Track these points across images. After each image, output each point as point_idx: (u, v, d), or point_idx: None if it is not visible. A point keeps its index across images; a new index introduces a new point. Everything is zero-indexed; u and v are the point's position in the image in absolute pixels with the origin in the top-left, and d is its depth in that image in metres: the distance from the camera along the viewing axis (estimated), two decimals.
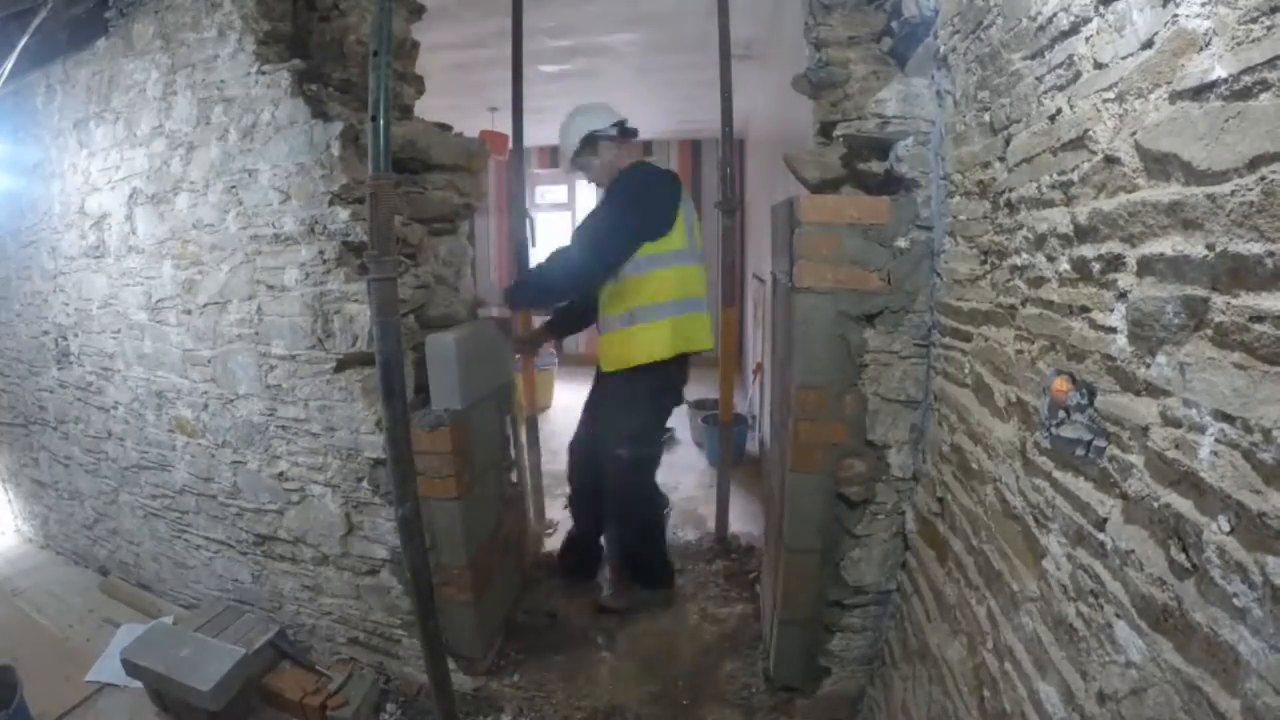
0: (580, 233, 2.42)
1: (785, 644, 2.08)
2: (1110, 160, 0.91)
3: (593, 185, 2.71)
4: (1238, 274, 0.68)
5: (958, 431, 1.54)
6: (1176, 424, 0.77)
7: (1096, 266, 0.95)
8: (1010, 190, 1.26)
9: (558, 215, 8.26)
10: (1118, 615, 0.87)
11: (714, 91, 2.90)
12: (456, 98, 4.97)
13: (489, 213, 7.96)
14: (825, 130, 1.95)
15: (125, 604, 3.08)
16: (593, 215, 2.47)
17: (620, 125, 2.50)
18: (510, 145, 3.34)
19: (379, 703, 2.27)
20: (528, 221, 3.32)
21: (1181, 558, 0.75)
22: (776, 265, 2.23)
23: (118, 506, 3.12)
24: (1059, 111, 1.06)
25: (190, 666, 2.16)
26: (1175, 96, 0.77)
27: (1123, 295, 0.89)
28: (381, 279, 1.71)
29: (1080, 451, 0.98)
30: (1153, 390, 0.82)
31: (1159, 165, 0.81)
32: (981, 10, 1.36)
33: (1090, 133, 0.96)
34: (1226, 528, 0.69)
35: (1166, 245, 0.79)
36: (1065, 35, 1.04)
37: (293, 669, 2.40)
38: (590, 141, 2.47)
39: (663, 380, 2.51)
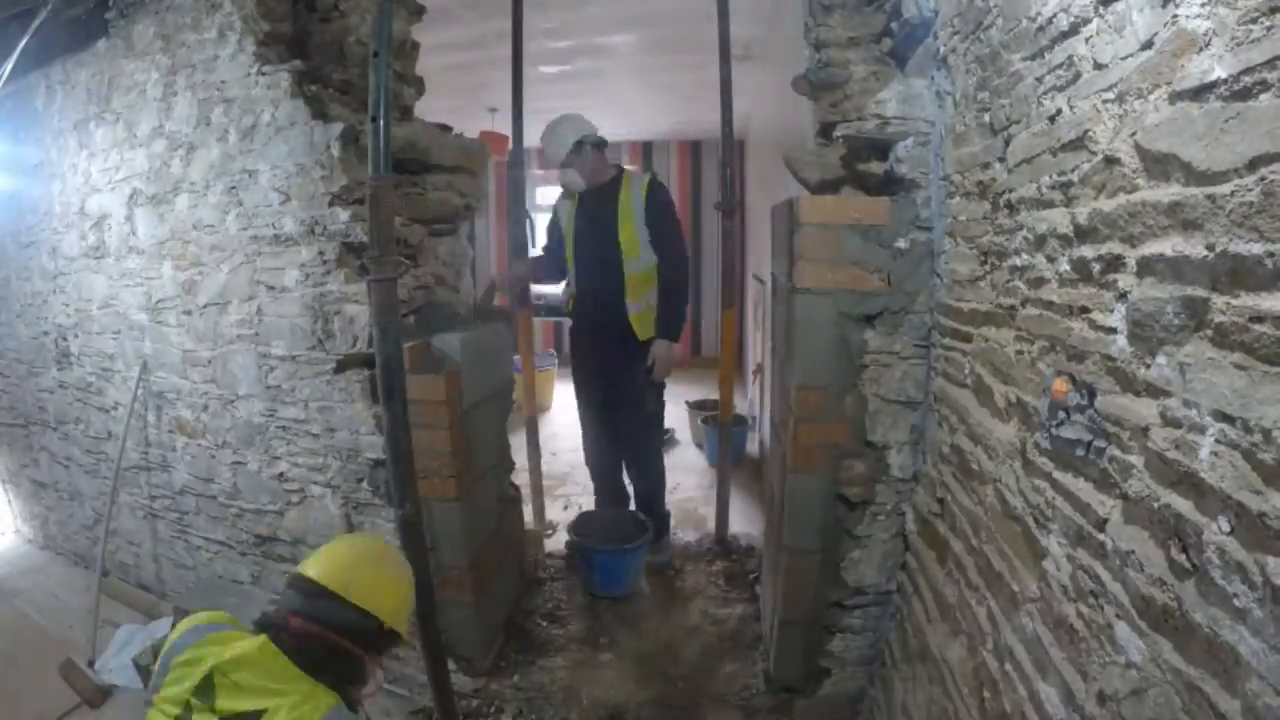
0: (677, 239, 2.89)
1: (785, 644, 2.08)
2: (1110, 161, 0.91)
3: (568, 185, 2.99)
4: (1238, 274, 0.68)
5: (958, 432, 1.54)
6: (1176, 424, 0.77)
7: (1096, 267, 0.95)
8: (1010, 191, 1.26)
9: None
10: (1118, 616, 0.87)
11: (714, 92, 2.90)
12: (456, 99, 4.97)
13: (489, 214, 7.96)
14: (825, 131, 1.95)
15: (125, 604, 3.08)
16: (674, 222, 2.93)
17: (600, 138, 2.92)
18: (510, 146, 3.34)
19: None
20: (527, 222, 3.32)
21: (1182, 558, 0.75)
22: (776, 266, 2.23)
23: (117, 507, 3.12)
24: (1059, 112, 1.06)
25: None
26: (1175, 97, 0.77)
27: (1123, 296, 0.89)
28: (381, 280, 1.71)
29: (1080, 452, 0.98)
30: (1153, 391, 0.82)
31: (1159, 166, 0.81)
32: (981, 11, 1.36)
33: (1090, 133, 0.96)
34: (1226, 528, 0.69)
35: (1166, 246, 0.79)
36: (1065, 36, 1.04)
37: None
38: (580, 146, 2.82)
39: None
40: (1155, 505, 0.80)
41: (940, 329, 1.70)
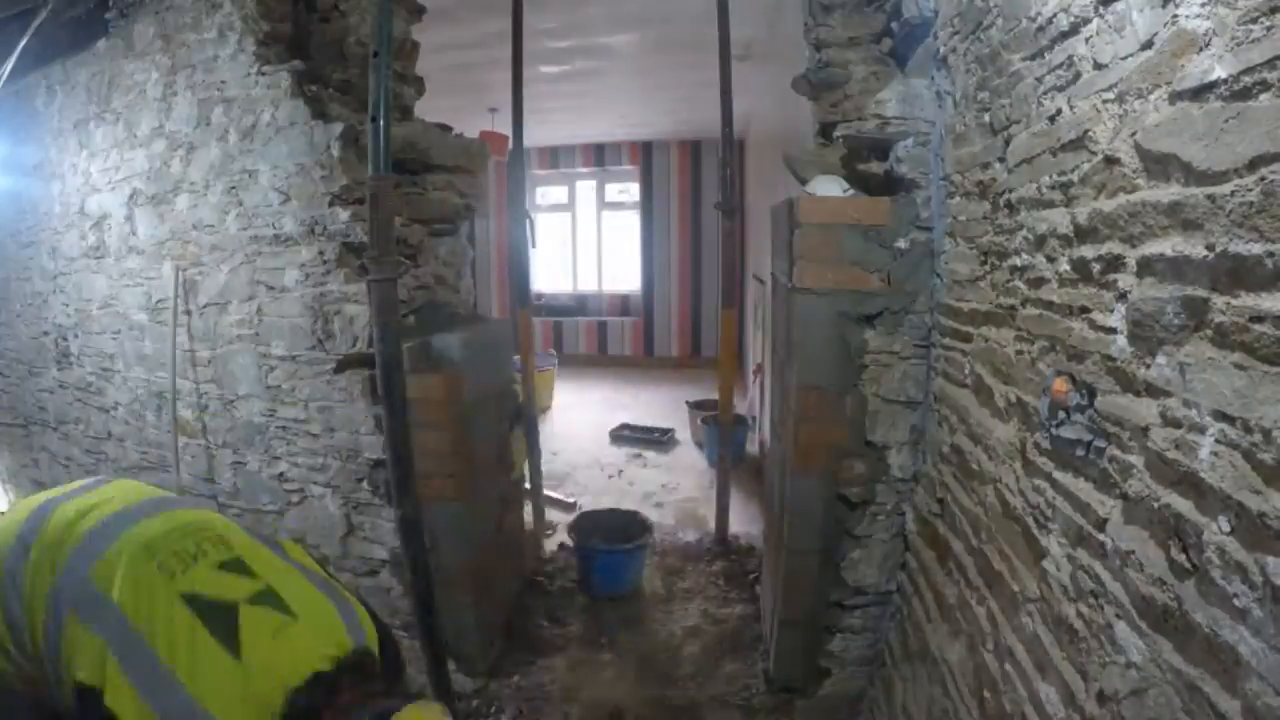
0: None
1: (785, 644, 2.08)
2: (1110, 161, 0.91)
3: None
4: (1238, 274, 0.68)
5: (958, 432, 1.54)
6: (1176, 424, 0.77)
7: (1096, 267, 0.95)
8: (1010, 191, 1.26)
9: (557, 216, 8.26)
10: (1118, 616, 0.87)
11: (714, 92, 2.90)
12: (456, 98, 4.96)
13: (489, 214, 7.96)
14: (825, 131, 1.95)
15: None
16: None
17: None
18: (510, 146, 3.34)
19: None
20: (527, 222, 3.32)
21: (1182, 558, 0.75)
22: (776, 266, 2.23)
23: None
24: (1059, 112, 1.06)
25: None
26: (1175, 97, 0.77)
27: (1123, 296, 0.89)
28: (381, 280, 1.71)
29: (1080, 452, 0.98)
30: (1153, 390, 0.82)
31: (1159, 166, 0.81)
32: (981, 11, 1.36)
33: (1090, 133, 0.96)
34: (1226, 528, 0.69)
35: (1166, 246, 0.79)
36: (1065, 36, 1.04)
37: None
38: None
39: None
40: (1155, 505, 0.80)
41: (940, 329, 1.70)
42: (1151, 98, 0.82)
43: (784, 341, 2.03)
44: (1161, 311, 0.80)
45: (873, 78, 1.83)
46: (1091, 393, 0.96)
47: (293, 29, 2.25)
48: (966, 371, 1.50)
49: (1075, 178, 1.01)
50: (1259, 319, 0.65)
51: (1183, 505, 0.75)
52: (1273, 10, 0.63)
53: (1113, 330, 0.91)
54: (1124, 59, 0.88)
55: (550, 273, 8.34)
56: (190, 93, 2.37)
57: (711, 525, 3.35)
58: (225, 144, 2.29)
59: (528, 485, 3.26)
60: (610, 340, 8.15)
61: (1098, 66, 0.95)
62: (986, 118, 1.36)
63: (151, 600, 0.98)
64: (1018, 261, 1.23)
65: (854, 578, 1.92)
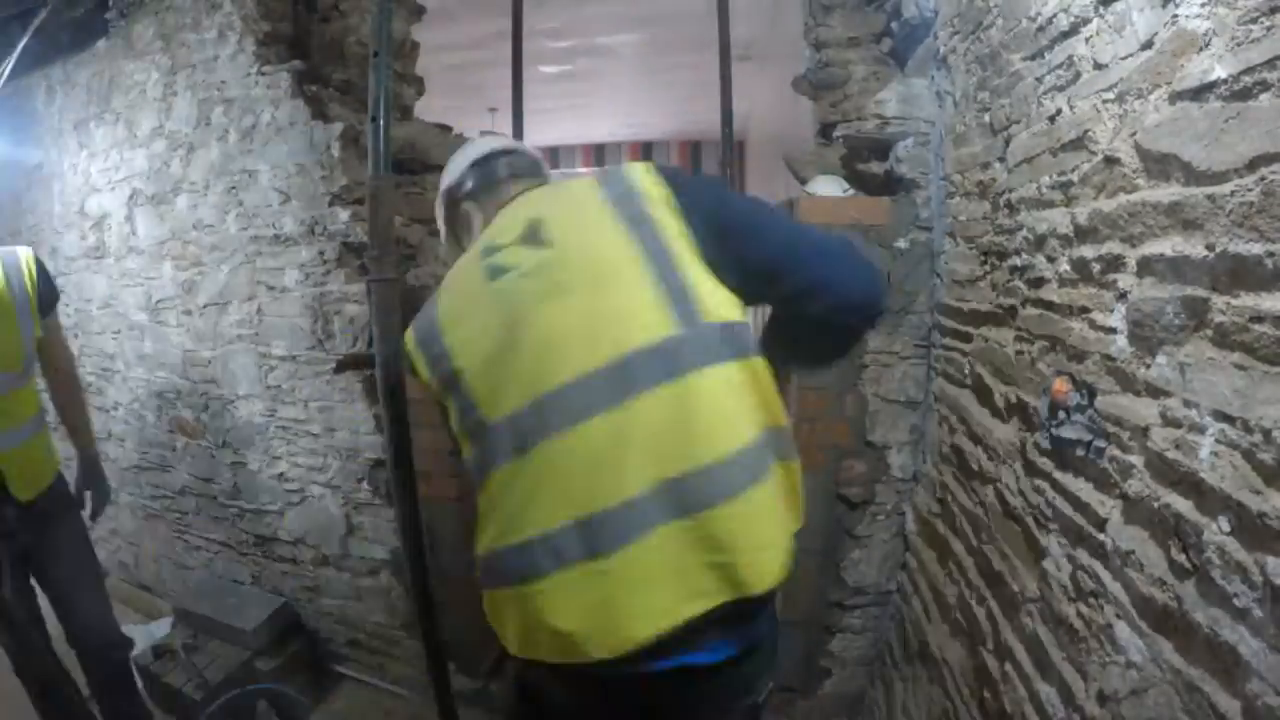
0: None
1: (785, 644, 2.07)
2: (1110, 161, 0.91)
3: None
4: (1238, 274, 0.68)
5: (958, 432, 1.54)
6: (1176, 424, 0.77)
7: (1096, 267, 0.95)
8: (1010, 191, 1.26)
9: None
10: (1118, 616, 0.87)
11: (714, 92, 2.89)
12: (456, 99, 4.97)
13: None
14: (825, 131, 1.95)
15: (125, 604, 3.08)
16: None
17: None
18: None
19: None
20: None
21: (1182, 558, 0.75)
22: None
23: (117, 507, 3.12)
24: (1059, 112, 1.06)
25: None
26: (1175, 97, 0.77)
27: (1123, 296, 0.89)
28: (381, 280, 1.70)
29: (1080, 452, 0.98)
30: (1153, 390, 0.82)
31: (1159, 166, 0.81)
32: (981, 11, 1.36)
33: (1090, 133, 0.96)
34: (1227, 528, 0.69)
35: (1166, 246, 0.79)
36: (1065, 36, 1.04)
37: None
38: None
39: None
40: (1155, 505, 0.80)
41: (940, 329, 1.70)
42: (1151, 98, 0.82)
43: None
44: (1161, 311, 0.80)
45: (873, 78, 1.83)
46: (1091, 393, 0.96)
47: (293, 29, 2.25)
48: (966, 371, 1.50)
49: (1075, 178, 1.01)
50: (1259, 319, 0.65)
51: (1183, 505, 0.75)
52: (1273, 10, 0.63)
53: (1113, 330, 0.91)
54: (1124, 59, 0.88)
55: None
56: (190, 93, 2.37)
57: None
58: (225, 144, 2.29)
59: None
60: None
61: (1098, 66, 0.95)
62: (986, 118, 1.36)
63: None
64: (1018, 261, 1.23)
65: (854, 578, 1.92)
